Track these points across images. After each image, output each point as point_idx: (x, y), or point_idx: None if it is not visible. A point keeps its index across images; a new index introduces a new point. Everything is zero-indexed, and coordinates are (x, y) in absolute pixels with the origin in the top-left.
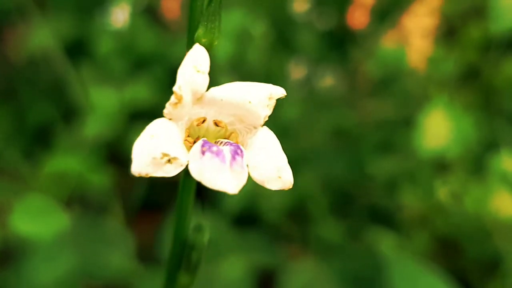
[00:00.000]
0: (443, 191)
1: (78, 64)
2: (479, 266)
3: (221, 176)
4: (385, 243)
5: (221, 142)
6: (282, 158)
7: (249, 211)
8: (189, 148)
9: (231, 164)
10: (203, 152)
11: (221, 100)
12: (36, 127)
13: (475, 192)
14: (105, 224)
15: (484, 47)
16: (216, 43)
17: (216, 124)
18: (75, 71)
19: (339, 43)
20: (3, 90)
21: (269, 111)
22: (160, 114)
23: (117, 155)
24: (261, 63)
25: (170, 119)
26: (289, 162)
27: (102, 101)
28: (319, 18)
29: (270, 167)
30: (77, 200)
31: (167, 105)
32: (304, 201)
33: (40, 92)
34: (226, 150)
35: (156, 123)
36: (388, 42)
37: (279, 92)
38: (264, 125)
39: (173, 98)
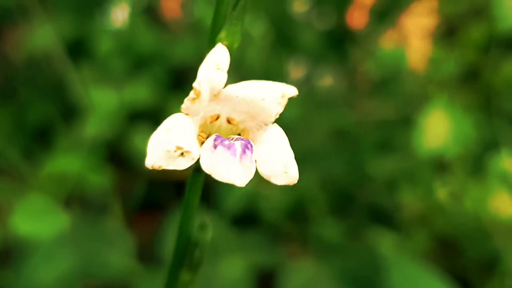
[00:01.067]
0: (442, 191)
1: (78, 64)
2: (478, 265)
3: (231, 168)
4: (384, 242)
5: (233, 138)
6: (289, 154)
7: (249, 211)
8: (201, 143)
9: (241, 158)
10: (215, 146)
11: (237, 97)
12: (36, 126)
13: (474, 192)
14: (105, 224)
15: (484, 48)
16: (236, 45)
17: (228, 121)
18: (75, 71)
19: (339, 42)
20: (3, 89)
21: (281, 109)
22: (160, 115)
23: (117, 155)
24: (260, 62)
25: (186, 114)
26: None
27: (102, 101)
28: (319, 18)
29: (277, 162)
30: (77, 199)
31: (186, 100)
32: (303, 200)
33: (40, 91)
34: (237, 144)
35: (173, 117)
36: (387, 42)
37: (292, 91)
38: (274, 122)
39: (192, 94)
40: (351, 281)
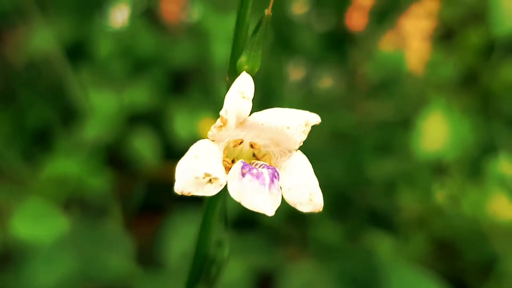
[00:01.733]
0: (440, 194)
1: (78, 67)
2: (476, 268)
3: (261, 198)
4: (382, 245)
5: (257, 164)
6: (314, 182)
7: (248, 214)
8: (226, 168)
9: (270, 187)
10: (243, 174)
11: (262, 124)
12: (36, 129)
13: (472, 195)
14: (104, 227)
15: (482, 51)
16: (257, 70)
17: (251, 145)
18: (75, 73)
19: (338, 44)
20: (3, 92)
21: (304, 137)
22: (160, 117)
23: (116, 157)
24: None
25: (212, 140)
26: None
27: (101, 103)
28: (318, 20)
29: (303, 190)
30: (76, 202)
31: (212, 127)
32: None
33: (39, 94)
34: (265, 173)
35: (200, 144)
36: (386, 44)
37: (315, 119)
38: (298, 149)
39: (218, 122)
40: (350, 283)
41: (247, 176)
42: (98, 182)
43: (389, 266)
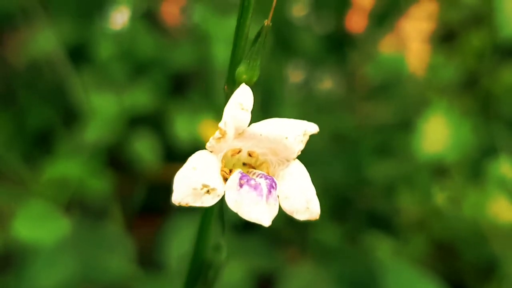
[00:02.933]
0: (440, 196)
1: (79, 69)
2: (476, 270)
3: (258, 209)
4: (382, 247)
5: (255, 173)
6: (312, 191)
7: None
8: (224, 178)
9: (267, 198)
10: (241, 185)
11: (260, 135)
12: (37, 131)
13: (472, 197)
14: (105, 229)
15: (484, 54)
16: (255, 80)
17: (249, 154)
18: (76, 75)
19: (338, 46)
20: (3, 94)
21: (302, 146)
22: (160, 120)
23: (117, 160)
24: (260, 66)
25: (211, 151)
26: None
27: (102, 105)
28: (318, 22)
29: (300, 199)
30: (77, 204)
31: (211, 139)
32: None
33: (40, 96)
34: (263, 183)
35: (198, 156)
36: (386, 46)
37: (313, 128)
38: (296, 158)
39: (217, 133)
40: (349, 285)
41: (245, 187)
42: (99, 184)
43: (388, 268)
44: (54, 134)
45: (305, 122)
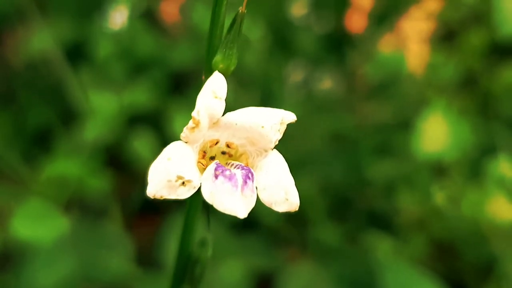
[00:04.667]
0: (440, 195)
1: (78, 68)
2: (475, 269)
3: (232, 200)
4: (382, 247)
5: (233, 165)
6: (290, 181)
7: (248, 215)
8: (202, 170)
9: (242, 189)
10: (216, 176)
11: (236, 124)
12: (36, 130)
13: (471, 197)
14: (104, 228)
15: (482, 53)
16: (232, 68)
17: (227, 145)
18: (75, 74)
19: (337, 46)
20: (2, 93)
21: (279, 135)
22: (159, 119)
23: (116, 158)
24: (259, 66)
25: (186, 142)
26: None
27: (101, 105)
28: (317, 21)
29: (278, 189)
30: (76, 204)
31: (185, 129)
32: (302, 204)
33: (39, 95)
34: (238, 174)
35: (172, 146)
36: (386, 45)
37: (290, 117)
38: (274, 148)
39: (191, 123)
40: (349, 285)
41: (220, 177)
42: (98, 183)
43: (388, 268)
44: (53, 133)
45: (281, 110)
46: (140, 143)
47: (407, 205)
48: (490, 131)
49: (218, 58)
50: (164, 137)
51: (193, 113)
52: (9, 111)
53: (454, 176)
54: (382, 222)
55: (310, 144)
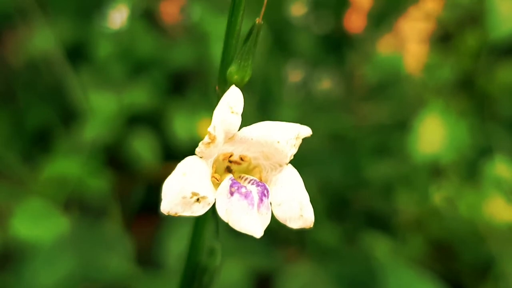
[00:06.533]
0: (438, 196)
1: (78, 68)
2: (473, 269)
3: (249, 219)
4: (380, 247)
5: (247, 179)
6: (305, 197)
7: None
8: (215, 185)
9: (258, 207)
10: (231, 193)
11: (251, 139)
12: (35, 130)
13: (469, 197)
14: (104, 228)
15: (479, 54)
16: (247, 80)
17: (241, 158)
18: (75, 74)
19: (336, 46)
20: (2, 93)
21: (295, 150)
22: (159, 119)
23: (115, 159)
24: (258, 66)
25: (201, 157)
26: None
27: (101, 105)
28: (316, 22)
29: (293, 206)
30: (76, 203)
31: (200, 144)
32: None
33: (39, 95)
34: (254, 191)
35: (187, 161)
36: (384, 46)
37: (306, 131)
38: (289, 163)
39: (206, 138)
40: (347, 285)
41: (236, 195)
42: (98, 183)
43: (386, 268)
44: (53, 133)
45: (297, 125)
46: (139, 143)
47: (405, 205)
48: (487, 132)
49: (233, 69)
50: (164, 137)
51: (209, 129)
52: (9, 111)
53: (451, 176)
54: (380, 222)
55: (309, 144)
